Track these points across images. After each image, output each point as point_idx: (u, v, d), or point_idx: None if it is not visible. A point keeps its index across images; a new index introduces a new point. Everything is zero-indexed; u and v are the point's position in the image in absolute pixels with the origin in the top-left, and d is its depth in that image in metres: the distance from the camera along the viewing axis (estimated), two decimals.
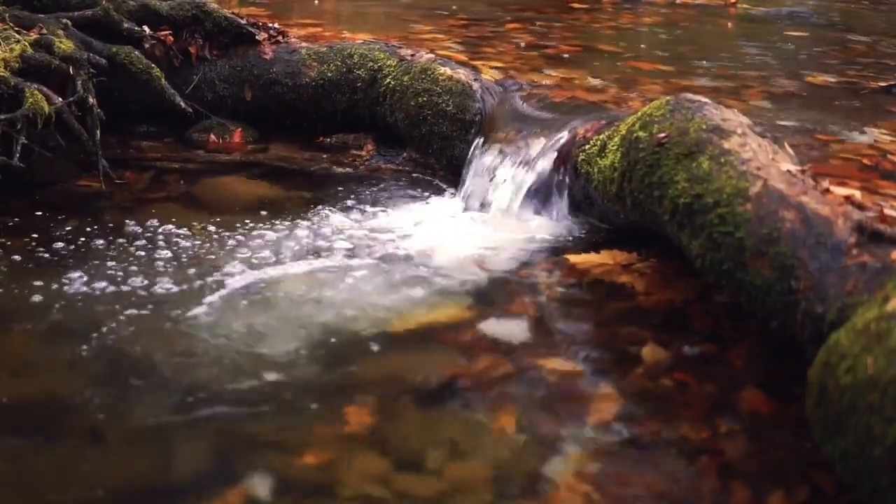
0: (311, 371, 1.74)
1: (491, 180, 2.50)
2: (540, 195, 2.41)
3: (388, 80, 2.89)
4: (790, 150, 1.94)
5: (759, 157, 1.79)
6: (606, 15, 5.03)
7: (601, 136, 2.24)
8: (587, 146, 2.29)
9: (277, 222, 2.38)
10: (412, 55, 2.92)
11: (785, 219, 1.60)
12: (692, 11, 5.29)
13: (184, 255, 2.17)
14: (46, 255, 2.14)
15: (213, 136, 2.98)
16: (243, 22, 3.04)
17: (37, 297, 1.95)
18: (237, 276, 2.07)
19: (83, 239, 2.24)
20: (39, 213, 2.39)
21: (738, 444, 1.51)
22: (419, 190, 2.67)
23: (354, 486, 1.41)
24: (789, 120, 2.67)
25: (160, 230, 2.29)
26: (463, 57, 3.21)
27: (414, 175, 2.78)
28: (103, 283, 2.01)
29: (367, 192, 2.64)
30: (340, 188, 2.67)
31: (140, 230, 2.29)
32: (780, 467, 1.46)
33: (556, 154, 2.40)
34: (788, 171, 1.74)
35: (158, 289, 2.00)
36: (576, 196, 2.35)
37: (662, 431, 1.55)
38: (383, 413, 1.61)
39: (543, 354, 1.79)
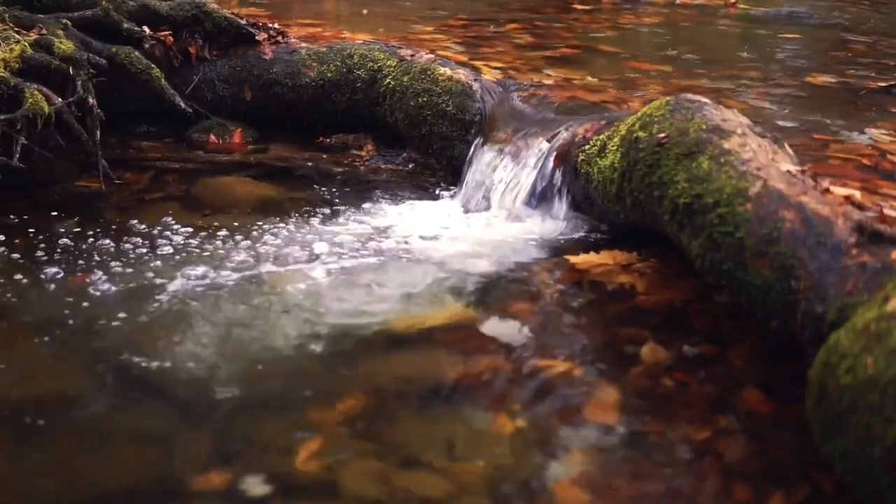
0: (310, 370, 1.74)
1: (491, 180, 2.50)
2: (540, 195, 2.41)
3: (387, 80, 2.89)
4: (790, 151, 1.94)
5: (759, 157, 1.79)
6: (606, 15, 5.03)
7: (601, 137, 2.24)
8: (587, 146, 2.29)
9: (277, 222, 2.38)
10: (412, 55, 2.92)
11: (785, 219, 1.60)
12: (692, 11, 5.28)
13: (183, 255, 2.17)
14: (46, 255, 2.14)
15: (212, 137, 2.98)
16: (243, 22, 3.04)
17: (37, 297, 1.95)
18: (236, 276, 2.07)
19: (83, 239, 2.24)
20: (39, 213, 2.39)
21: (738, 444, 1.51)
22: (419, 190, 2.67)
23: (354, 486, 1.41)
24: (789, 120, 2.67)
25: (160, 230, 2.29)
26: (463, 57, 3.21)
27: (414, 175, 2.78)
28: (103, 283, 2.01)
29: (367, 193, 2.64)
30: (340, 188, 2.67)
31: (140, 230, 2.29)
32: (780, 467, 1.46)
33: (555, 154, 2.40)
34: (788, 171, 1.74)
35: (158, 288, 2.00)
36: (576, 196, 2.35)
37: (662, 431, 1.55)
38: (383, 413, 1.61)
39: (543, 354, 1.79)
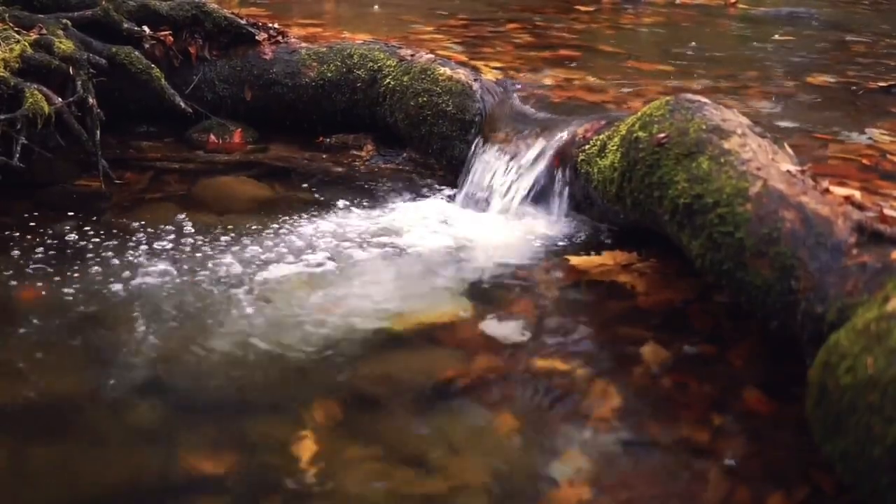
0: (310, 370, 1.74)
1: (491, 180, 2.50)
2: (540, 195, 2.41)
3: (387, 80, 2.89)
4: (790, 151, 1.94)
5: (759, 157, 1.79)
6: (606, 15, 5.03)
7: (601, 137, 2.24)
8: (587, 146, 2.29)
9: (277, 222, 2.38)
10: (412, 55, 2.92)
11: (785, 219, 1.60)
12: (692, 11, 5.29)
13: (183, 255, 2.17)
14: (46, 255, 2.14)
15: (212, 137, 2.98)
16: (243, 22, 3.04)
17: (36, 297, 1.95)
18: (236, 276, 2.07)
19: (83, 239, 2.24)
20: (39, 213, 2.39)
21: (738, 444, 1.51)
22: (419, 190, 2.67)
23: (353, 486, 1.41)
24: (789, 120, 2.67)
25: (160, 230, 2.29)
26: (463, 57, 3.21)
27: (413, 175, 2.78)
28: (103, 283, 2.01)
29: (367, 193, 2.63)
30: (340, 188, 2.67)
31: (140, 230, 2.29)
32: (780, 467, 1.46)
33: (555, 154, 2.40)
34: (788, 171, 1.74)
35: (158, 288, 2.00)
36: (575, 196, 2.35)
37: (662, 431, 1.55)
38: (383, 412, 1.61)
39: (543, 354, 1.79)
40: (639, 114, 2.07)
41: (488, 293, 2.06)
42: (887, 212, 1.60)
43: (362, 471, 1.45)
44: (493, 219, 2.43)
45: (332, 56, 2.99)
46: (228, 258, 2.16)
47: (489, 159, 2.54)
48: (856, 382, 1.22)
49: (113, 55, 2.77)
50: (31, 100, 2.43)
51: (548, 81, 2.96)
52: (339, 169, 2.84)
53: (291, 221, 2.39)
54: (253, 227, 2.34)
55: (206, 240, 2.25)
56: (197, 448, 1.50)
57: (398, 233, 2.34)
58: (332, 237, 2.30)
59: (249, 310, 1.93)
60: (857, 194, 1.69)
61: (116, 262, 2.12)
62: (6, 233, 2.25)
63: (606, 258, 2.16)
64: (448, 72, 2.79)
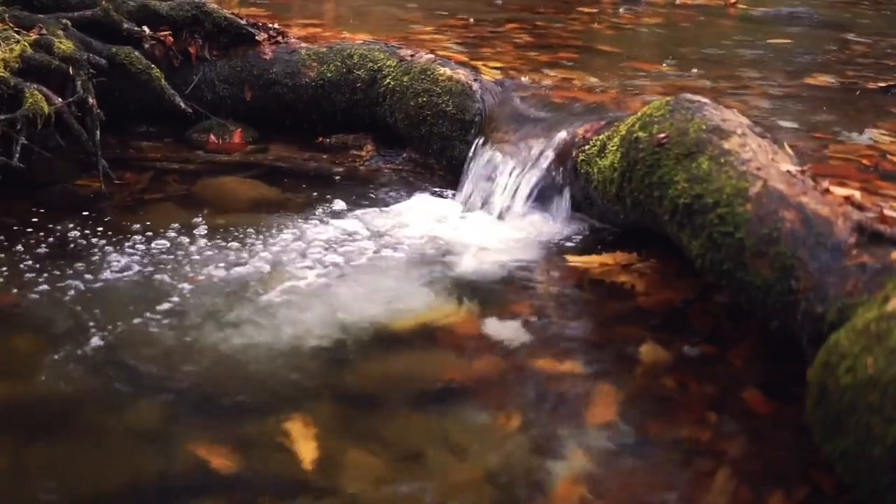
0: (309, 369, 1.74)
1: (491, 181, 2.50)
2: (540, 195, 2.41)
3: (387, 80, 2.89)
4: (790, 151, 1.94)
5: (759, 157, 1.79)
6: (606, 15, 5.03)
7: (601, 137, 2.24)
8: (587, 146, 2.29)
9: (276, 222, 2.38)
10: (412, 55, 2.92)
11: (785, 219, 1.60)
12: (692, 12, 5.29)
13: (183, 255, 2.17)
14: (46, 255, 2.14)
15: (212, 137, 2.98)
16: (243, 22, 3.04)
17: (37, 297, 1.95)
18: (236, 275, 2.07)
19: (83, 239, 2.23)
20: (39, 213, 2.38)
21: (738, 444, 1.51)
22: (419, 190, 2.67)
23: (353, 485, 1.41)
24: (789, 120, 2.67)
25: (160, 230, 2.29)
26: (463, 57, 3.21)
27: (413, 175, 2.78)
28: (103, 283, 2.01)
29: (367, 193, 2.63)
30: (340, 188, 2.67)
31: (140, 230, 2.29)
32: (780, 467, 1.46)
33: (555, 154, 2.40)
34: (788, 171, 1.74)
35: (158, 288, 2.00)
36: (575, 196, 2.35)
37: (662, 432, 1.55)
38: (382, 412, 1.61)
39: (543, 355, 1.79)
40: (639, 114, 2.07)
41: (488, 293, 2.06)
42: (887, 212, 1.60)
43: (362, 471, 1.45)
44: (493, 219, 2.43)
45: (332, 56, 2.99)
46: (228, 258, 2.16)
47: (489, 159, 2.54)
48: (856, 382, 1.22)
49: (113, 55, 2.77)
50: (31, 100, 2.43)
51: (548, 81, 2.96)
52: (339, 169, 2.84)
53: (291, 221, 2.39)
54: (253, 227, 2.34)
55: (206, 240, 2.25)
56: (197, 448, 1.50)
57: (398, 233, 2.34)
58: (332, 237, 2.30)
59: (249, 309, 1.93)
60: (857, 194, 1.69)
61: (117, 261, 2.12)
62: (6, 233, 2.25)
63: (606, 258, 2.16)
64: (448, 72, 2.79)
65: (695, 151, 1.85)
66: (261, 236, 2.29)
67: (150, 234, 2.27)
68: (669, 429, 1.56)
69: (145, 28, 2.91)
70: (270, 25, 3.15)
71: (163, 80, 2.84)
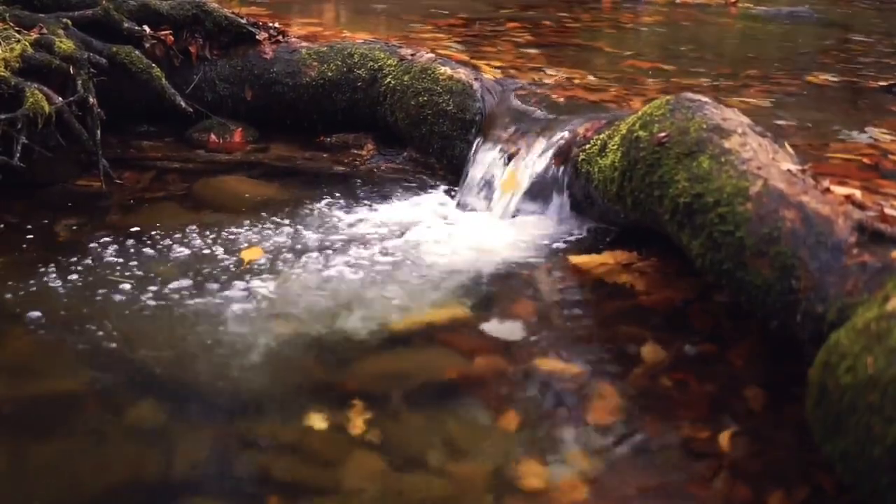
0: (309, 369, 1.74)
1: (491, 180, 2.50)
2: (540, 195, 2.41)
3: (388, 79, 2.89)
4: (790, 150, 1.94)
5: (760, 156, 1.79)
6: (606, 14, 5.03)
7: (601, 136, 2.24)
8: (587, 146, 2.29)
9: (277, 222, 2.38)
10: (412, 55, 2.92)
11: (785, 218, 1.60)
12: (692, 11, 5.29)
13: (183, 254, 2.17)
14: (47, 255, 2.14)
15: (213, 136, 2.99)
16: (243, 21, 3.04)
17: (37, 297, 1.95)
18: (236, 275, 2.07)
19: (83, 238, 2.24)
20: (40, 212, 2.39)
21: (738, 444, 1.51)
22: (419, 189, 2.67)
23: (353, 485, 1.41)
24: (789, 119, 2.67)
25: (160, 229, 2.29)
26: (463, 56, 3.21)
27: (414, 175, 2.78)
28: (104, 282, 2.01)
29: (368, 192, 2.64)
30: (340, 188, 2.67)
31: (140, 229, 2.29)
32: (780, 467, 1.46)
33: (556, 153, 2.40)
34: (788, 170, 1.74)
35: (159, 287, 2.00)
36: (576, 195, 2.35)
37: (662, 431, 1.55)
38: (383, 412, 1.61)
39: (543, 354, 1.79)
40: (639, 113, 2.07)
41: (488, 293, 2.06)
42: (888, 211, 1.60)
43: (362, 470, 1.45)
44: (493, 218, 2.43)
45: (333, 55, 2.99)
46: (228, 257, 2.16)
47: (490, 159, 2.54)
48: (856, 382, 1.22)
49: (113, 55, 2.77)
50: (31, 99, 2.43)
51: (548, 80, 2.96)
52: (340, 168, 2.84)
53: (291, 221, 2.39)
54: (253, 227, 2.34)
55: (207, 239, 2.26)
56: (197, 447, 1.50)
57: (398, 232, 2.35)
58: (332, 237, 2.30)
59: (249, 309, 1.93)
60: (858, 193, 1.69)
61: (117, 261, 2.12)
62: (6, 232, 2.25)
63: (607, 257, 2.15)
64: (448, 71, 2.79)
65: (695, 150, 1.85)
66: (260, 235, 2.29)
67: (150, 233, 2.27)
68: (669, 428, 1.56)
69: (146, 27, 2.91)
70: (271, 25, 3.15)
71: (163, 80, 2.84)
